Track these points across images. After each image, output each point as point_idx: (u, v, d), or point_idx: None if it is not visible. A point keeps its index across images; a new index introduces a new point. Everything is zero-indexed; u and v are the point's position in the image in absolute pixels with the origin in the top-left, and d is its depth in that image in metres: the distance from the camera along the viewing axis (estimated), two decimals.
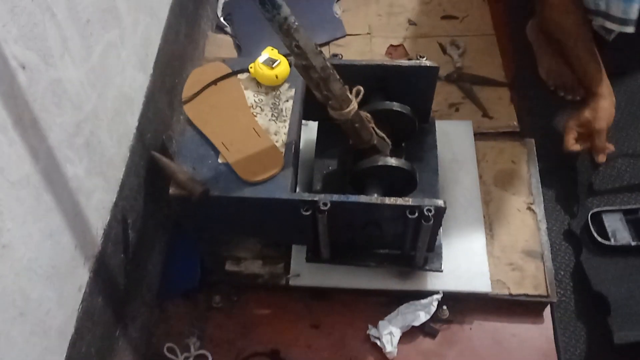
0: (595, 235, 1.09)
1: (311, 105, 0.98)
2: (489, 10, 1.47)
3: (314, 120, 1.14)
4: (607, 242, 1.08)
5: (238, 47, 1.42)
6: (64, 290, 0.78)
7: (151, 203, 1.03)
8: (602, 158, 1.13)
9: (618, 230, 1.09)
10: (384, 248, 1.01)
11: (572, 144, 1.14)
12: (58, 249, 0.76)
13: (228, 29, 1.46)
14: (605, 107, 1.10)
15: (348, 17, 1.47)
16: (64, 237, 0.78)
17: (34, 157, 0.71)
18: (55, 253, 0.75)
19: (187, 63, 1.24)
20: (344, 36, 1.43)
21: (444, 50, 1.39)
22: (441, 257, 1.02)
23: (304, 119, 1.07)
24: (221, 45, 1.43)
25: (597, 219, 1.11)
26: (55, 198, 0.75)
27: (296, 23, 0.76)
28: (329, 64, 0.83)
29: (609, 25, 1.14)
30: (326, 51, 1.39)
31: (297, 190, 1.00)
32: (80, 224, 0.81)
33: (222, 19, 1.46)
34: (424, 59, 1.01)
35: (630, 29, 1.13)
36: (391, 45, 1.42)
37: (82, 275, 0.82)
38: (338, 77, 0.86)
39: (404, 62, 1.03)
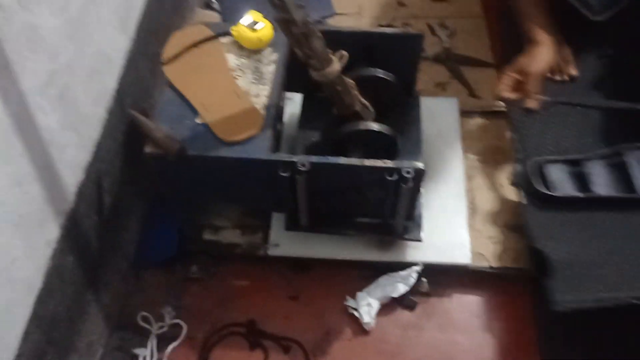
0: (536, 185, 1.00)
1: (296, 76, 0.97)
2: None
3: (298, 91, 1.13)
4: (549, 192, 1.00)
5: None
6: (31, 242, 0.76)
7: (129, 169, 1.01)
8: (531, 103, 1.06)
9: (562, 181, 1.02)
10: (364, 216, 1.00)
11: (505, 91, 1.06)
12: (27, 198, 0.74)
13: (215, 5, 1.44)
14: (542, 52, 1.07)
15: None
16: (34, 186, 0.75)
17: (5, 99, 0.69)
18: (24, 201, 0.73)
19: (171, 33, 1.22)
20: (333, 15, 1.42)
21: (433, 32, 1.38)
22: (421, 227, 1.00)
23: (288, 91, 1.05)
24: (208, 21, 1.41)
25: (540, 170, 1.03)
26: (26, 145, 0.73)
27: None
28: (310, 20, 0.81)
29: None
30: None
31: None
32: (51, 176, 0.79)
33: None
34: (409, 28, 1.00)
35: None
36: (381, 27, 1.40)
37: (52, 230, 0.80)
38: (320, 35, 0.84)
39: (389, 30, 1.02)
